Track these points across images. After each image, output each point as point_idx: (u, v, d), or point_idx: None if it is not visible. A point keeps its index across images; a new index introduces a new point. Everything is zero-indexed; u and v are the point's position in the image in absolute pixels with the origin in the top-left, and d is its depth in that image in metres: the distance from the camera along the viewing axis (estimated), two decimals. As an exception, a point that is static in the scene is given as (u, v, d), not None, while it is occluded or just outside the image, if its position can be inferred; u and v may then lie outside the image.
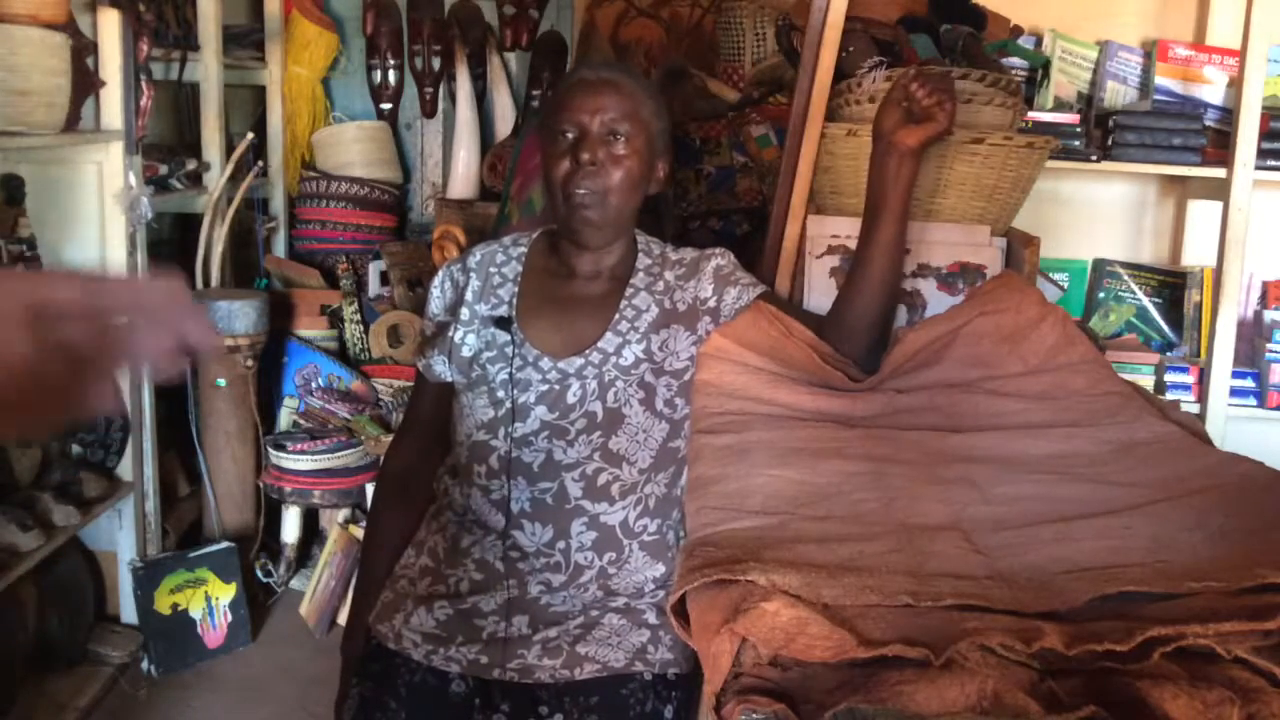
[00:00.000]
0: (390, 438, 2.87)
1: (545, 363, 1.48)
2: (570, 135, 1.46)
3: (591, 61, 1.59)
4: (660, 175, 1.58)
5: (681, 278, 1.55)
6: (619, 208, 1.49)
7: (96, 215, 2.57)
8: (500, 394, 1.48)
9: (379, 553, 1.64)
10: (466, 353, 1.52)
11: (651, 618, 1.48)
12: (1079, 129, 2.87)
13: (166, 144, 3.26)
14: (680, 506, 1.50)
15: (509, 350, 1.49)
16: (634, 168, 1.49)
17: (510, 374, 1.48)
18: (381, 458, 1.73)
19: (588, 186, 1.45)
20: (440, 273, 1.60)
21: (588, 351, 1.48)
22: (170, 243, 3.32)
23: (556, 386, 1.47)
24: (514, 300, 1.53)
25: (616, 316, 1.50)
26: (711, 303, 1.53)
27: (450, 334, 1.53)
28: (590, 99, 1.46)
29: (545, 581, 1.47)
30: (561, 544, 1.47)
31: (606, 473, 1.46)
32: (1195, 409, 2.83)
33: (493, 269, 1.56)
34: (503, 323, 1.51)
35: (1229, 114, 2.88)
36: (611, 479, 1.47)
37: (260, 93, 3.58)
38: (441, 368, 1.55)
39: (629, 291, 1.53)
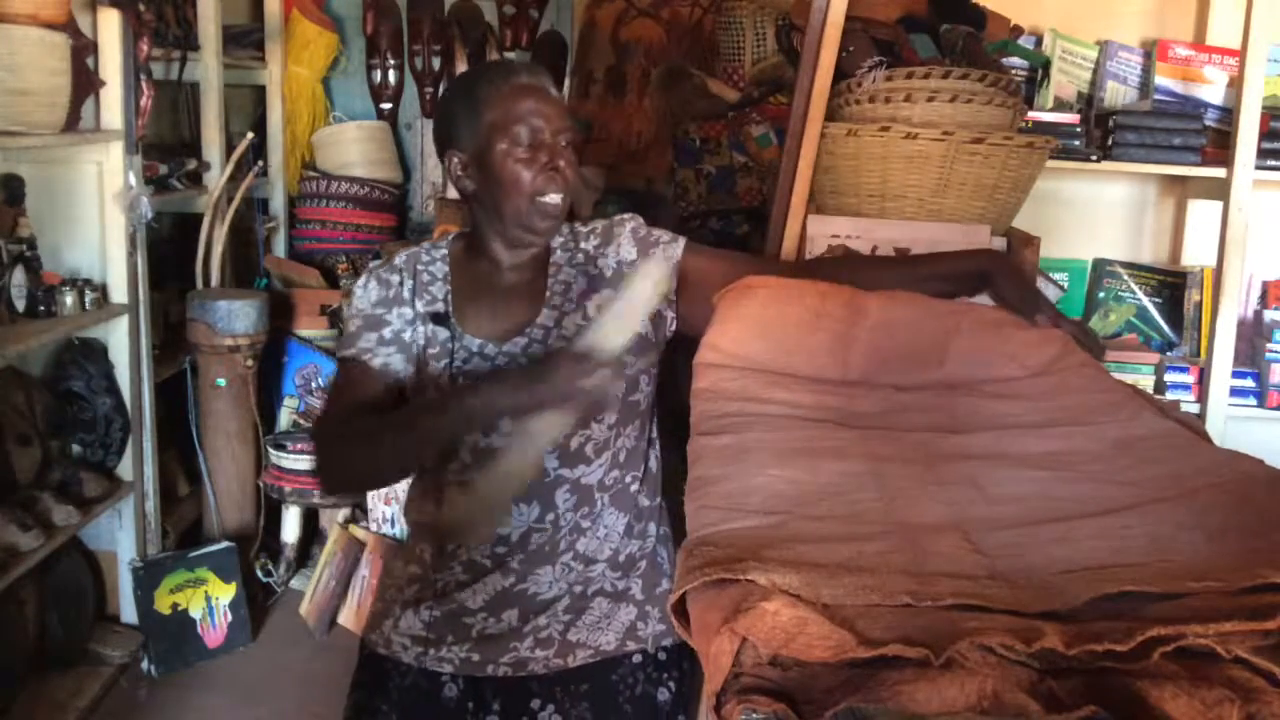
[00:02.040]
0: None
1: (490, 349, 1.49)
2: (525, 139, 1.47)
3: (507, 64, 1.60)
4: None
5: (599, 246, 1.58)
6: (570, 202, 1.54)
7: (96, 215, 2.57)
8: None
9: (394, 414, 1.50)
10: (415, 351, 1.51)
11: (637, 593, 1.51)
12: (1079, 129, 2.87)
13: (166, 144, 3.26)
14: (646, 458, 1.55)
15: (450, 345, 1.50)
16: (575, 163, 1.53)
17: (453, 369, 1.48)
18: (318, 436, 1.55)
19: (559, 191, 1.48)
20: (364, 276, 1.56)
21: (528, 329, 1.50)
22: (170, 242, 3.32)
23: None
24: (448, 297, 1.54)
25: (548, 294, 1.53)
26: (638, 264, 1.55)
27: (400, 332, 1.51)
28: (538, 104, 1.48)
29: (534, 569, 1.48)
30: (550, 515, 1.49)
31: (579, 435, 1.48)
32: (1195, 409, 2.83)
33: (420, 267, 1.56)
34: (439, 318, 1.52)
35: (1229, 114, 2.88)
36: (584, 440, 1.49)
37: (260, 93, 3.58)
38: (401, 366, 1.51)
39: (552, 269, 1.55)
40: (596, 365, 1.30)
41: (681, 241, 1.57)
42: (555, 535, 1.49)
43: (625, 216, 1.61)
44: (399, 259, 1.58)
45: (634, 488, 1.55)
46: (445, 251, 1.59)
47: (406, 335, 1.51)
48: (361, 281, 1.56)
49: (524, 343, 1.49)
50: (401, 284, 1.54)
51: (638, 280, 1.36)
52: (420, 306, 1.53)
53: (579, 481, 1.49)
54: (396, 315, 1.51)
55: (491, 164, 1.48)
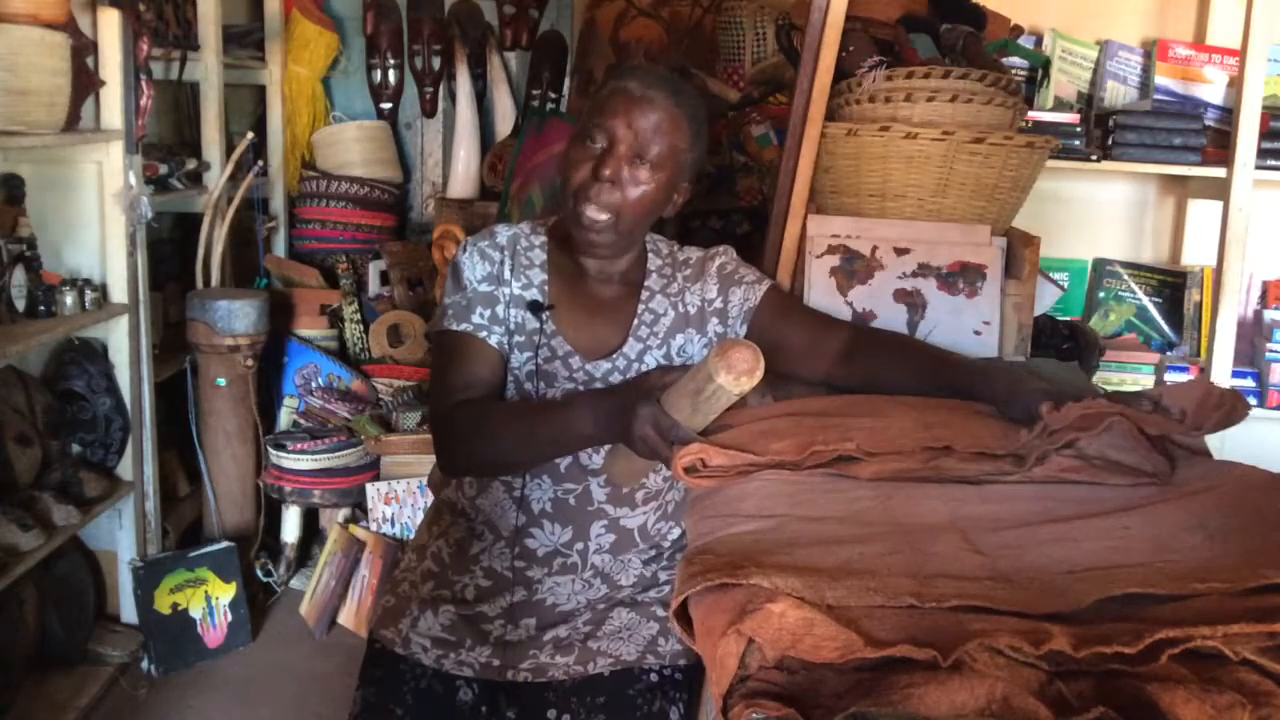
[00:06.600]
0: (393, 437, 2.87)
1: (575, 361, 1.46)
2: (599, 144, 1.41)
3: (644, 72, 1.51)
4: (678, 199, 1.52)
5: (689, 279, 1.55)
6: (628, 229, 1.45)
7: (96, 215, 2.56)
8: (527, 385, 1.45)
9: (521, 406, 1.44)
10: (508, 332, 1.46)
11: (659, 610, 1.48)
12: (1079, 129, 2.88)
13: (166, 144, 3.26)
14: None
15: (537, 339, 1.45)
16: (650, 194, 1.43)
17: (536, 365, 1.45)
18: (435, 422, 1.47)
19: (601, 203, 1.40)
20: (466, 248, 1.49)
21: (614, 356, 1.47)
22: (170, 242, 3.31)
23: (582, 388, 1.45)
24: (545, 287, 1.48)
25: (635, 322, 1.49)
26: (718, 304, 1.53)
27: (496, 308, 1.46)
28: (628, 112, 1.40)
29: (555, 583, 1.47)
30: (580, 545, 1.47)
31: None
32: (1195, 409, 2.83)
33: (520, 248, 1.51)
34: (536, 307, 1.45)
35: (1229, 114, 2.88)
36: (638, 485, 1.47)
37: (260, 93, 3.58)
38: (500, 338, 1.45)
39: (644, 295, 1.51)
40: (673, 435, 1.18)
41: (765, 286, 1.53)
42: (581, 560, 1.48)
43: (718, 250, 1.57)
44: (500, 236, 1.51)
45: (673, 535, 1.53)
46: (544, 239, 1.53)
47: (502, 314, 1.46)
48: (465, 256, 1.48)
49: (607, 368, 1.46)
50: (503, 262, 1.48)
51: (722, 389, 1.16)
52: (517, 288, 1.47)
53: (618, 522, 1.47)
54: (500, 293, 1.46)
55: (565, 158, 1.44)
